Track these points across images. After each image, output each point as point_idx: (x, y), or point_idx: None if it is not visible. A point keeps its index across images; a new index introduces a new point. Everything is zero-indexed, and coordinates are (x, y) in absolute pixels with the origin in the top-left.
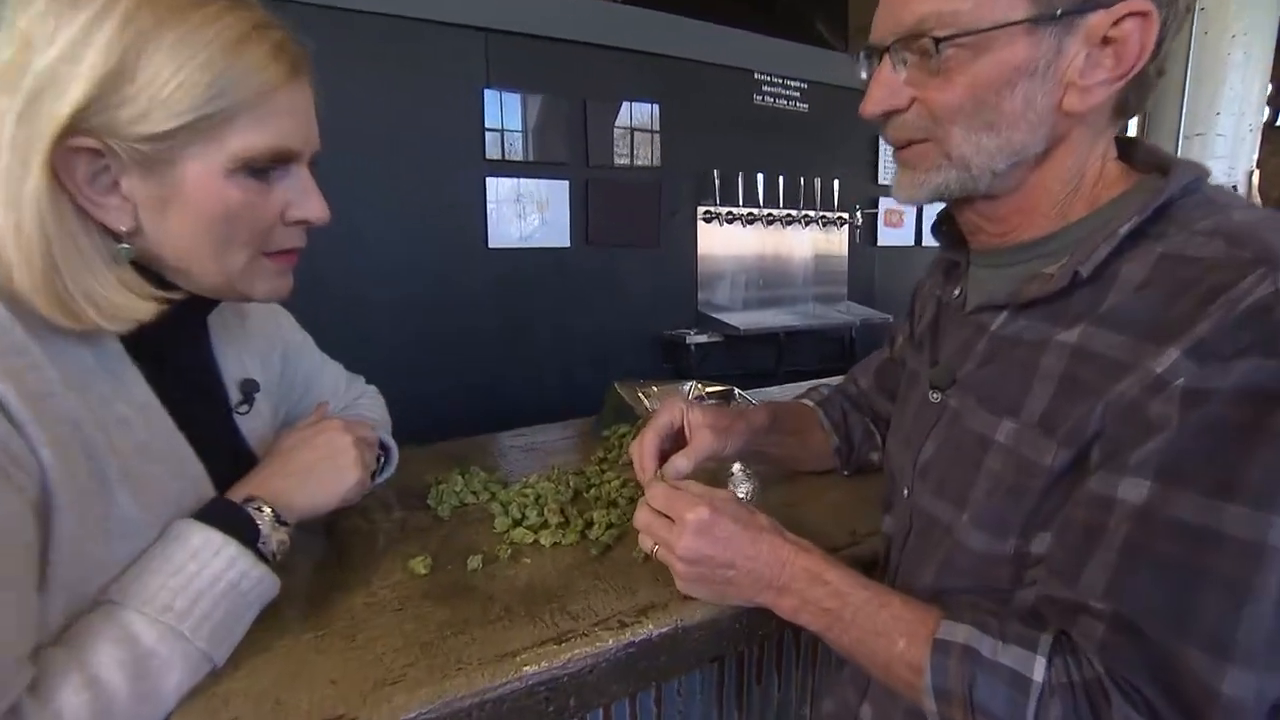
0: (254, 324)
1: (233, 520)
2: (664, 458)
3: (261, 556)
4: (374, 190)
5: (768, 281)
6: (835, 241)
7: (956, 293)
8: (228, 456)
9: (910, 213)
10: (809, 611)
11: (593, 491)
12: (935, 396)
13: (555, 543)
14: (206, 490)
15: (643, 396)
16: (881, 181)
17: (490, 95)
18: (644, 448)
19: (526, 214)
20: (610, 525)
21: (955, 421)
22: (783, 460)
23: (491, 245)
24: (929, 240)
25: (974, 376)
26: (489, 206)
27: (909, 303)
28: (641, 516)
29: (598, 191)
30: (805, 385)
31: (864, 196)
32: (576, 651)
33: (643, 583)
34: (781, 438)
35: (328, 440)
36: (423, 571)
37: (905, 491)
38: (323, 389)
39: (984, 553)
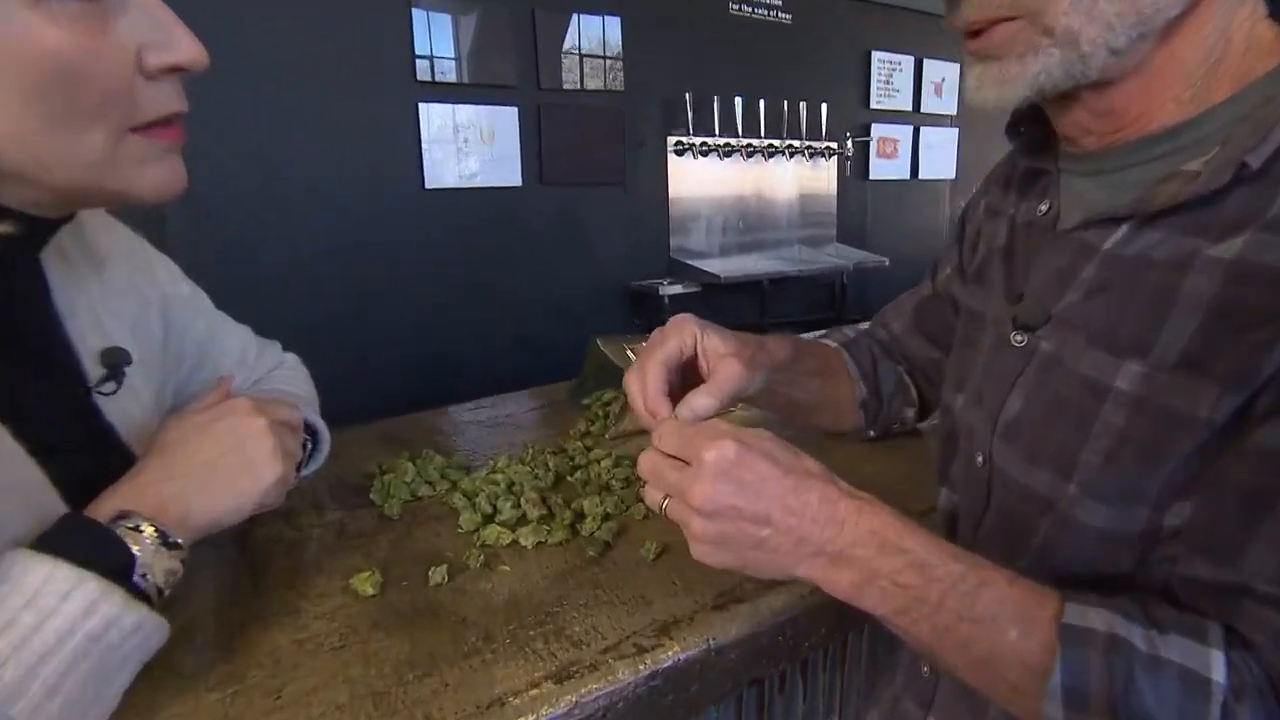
0: (117, 273)
1: (93, 546)
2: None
3: (140, 594)
4: (285, 125)
5: (748, 223)
6: (822, 176)
7: (1044, 208)
8: (88, 456)
9: (905, 141)
10: (877, 589)
11: (579, 474)
12: (1019, 339)
13: (539, 542)
14: (50, 504)
15: (631, 354)
16: (875, 105)
17: (418, 15)
18: (648, 383)
19: (469, 148)
20: (607, 517)
21: (1053, 367)
22: (798, 407)
23: (429, 186)
24: (926, 173)
25: (1080, 310)
26: (424, 140)
27: (955, 229)
28: (647, 461)
29: (552, 120)
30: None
31: (855, 123)
32: (585, 690)
33: (657, 590)
34: (802, 378)
35: (234, 426)
36: (370, 592)
37: (979, 458)
38: (223, 358)
39: (1103, 530)
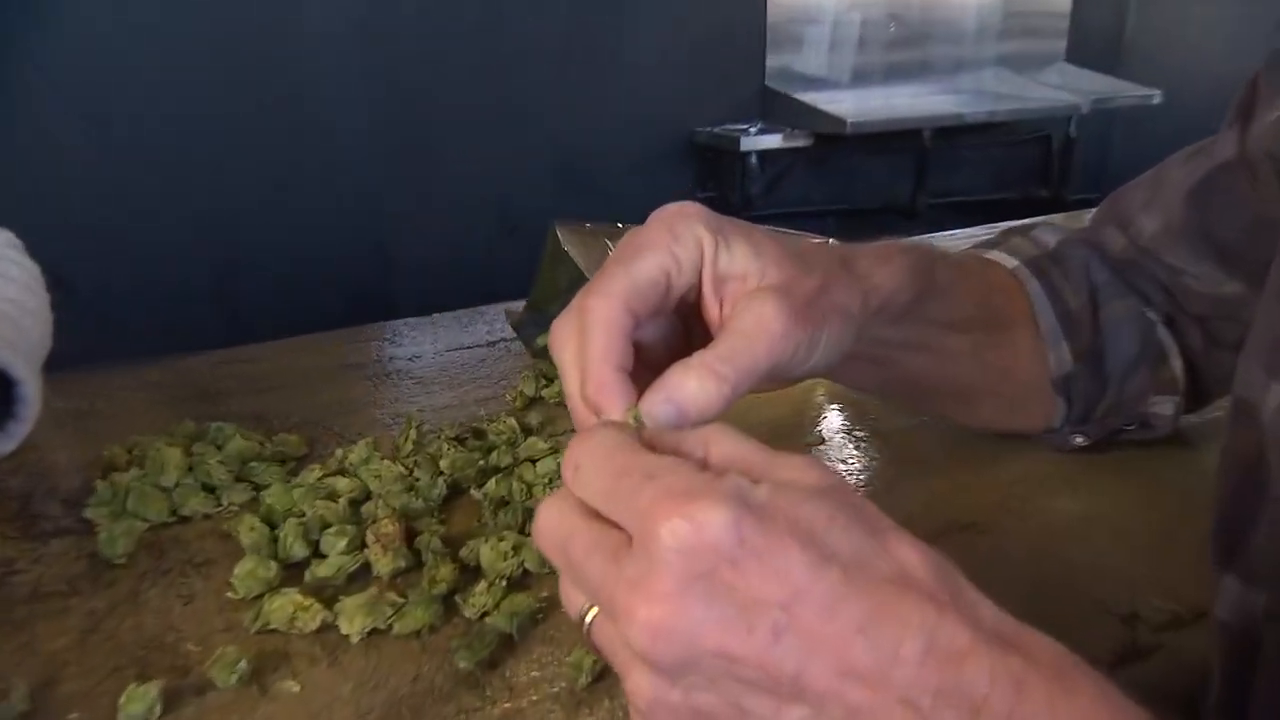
0: None
1: None
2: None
3: None
4: None
5: (906, 30)
6: None
7: None
8: None
9: None
10: None
11: (494, 484)
12: None
13: (377, 630)
14: None
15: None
16: None
17: None
18: (592, 345)
19: None
20: (521, 579)
21: None
22: (925, 390)
23: None
24: None
25: None
26: None
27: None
28: (548, 520)
29: None
30: (981, 235)
31: None
32: None
33: None
34: (935, 334)
35: None
36: None
37: None
38: None
39: None
